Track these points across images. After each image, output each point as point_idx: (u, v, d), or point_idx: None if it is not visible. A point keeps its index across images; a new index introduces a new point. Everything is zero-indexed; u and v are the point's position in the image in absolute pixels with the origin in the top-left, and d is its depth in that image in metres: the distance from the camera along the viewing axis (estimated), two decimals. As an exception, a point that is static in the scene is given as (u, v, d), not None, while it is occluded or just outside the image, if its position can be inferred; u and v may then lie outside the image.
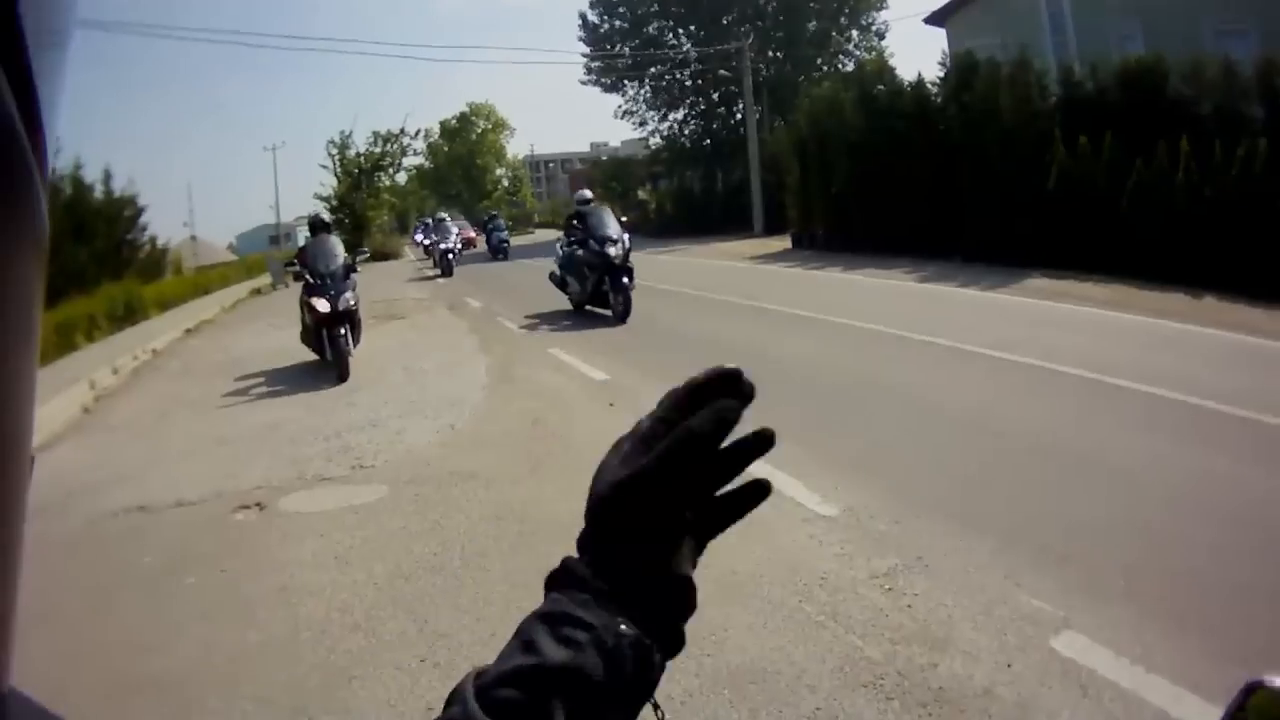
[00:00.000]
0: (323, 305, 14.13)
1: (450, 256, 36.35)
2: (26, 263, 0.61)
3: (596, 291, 18.25)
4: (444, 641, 5.12)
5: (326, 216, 17.62)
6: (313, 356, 14.88)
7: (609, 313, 18.00)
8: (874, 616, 5.02)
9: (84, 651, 5.36)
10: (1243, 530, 6.03)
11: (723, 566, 5.77)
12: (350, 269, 15.03)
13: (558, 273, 20.23)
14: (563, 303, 19.92)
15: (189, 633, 5.60)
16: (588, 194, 21.32)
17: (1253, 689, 0.92)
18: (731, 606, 5.23)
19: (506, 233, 46.12)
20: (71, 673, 5.03)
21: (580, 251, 18.68)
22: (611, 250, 17.68)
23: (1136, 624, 4.83)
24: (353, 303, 14.50)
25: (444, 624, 5.34)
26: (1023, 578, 5.40)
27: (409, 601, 5.71)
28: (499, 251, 43.46)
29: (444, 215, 46.29)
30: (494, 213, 55.50)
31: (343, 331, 14.00)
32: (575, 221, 19.28)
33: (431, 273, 37.38)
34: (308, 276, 14.84)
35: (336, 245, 15.53)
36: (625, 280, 17.54)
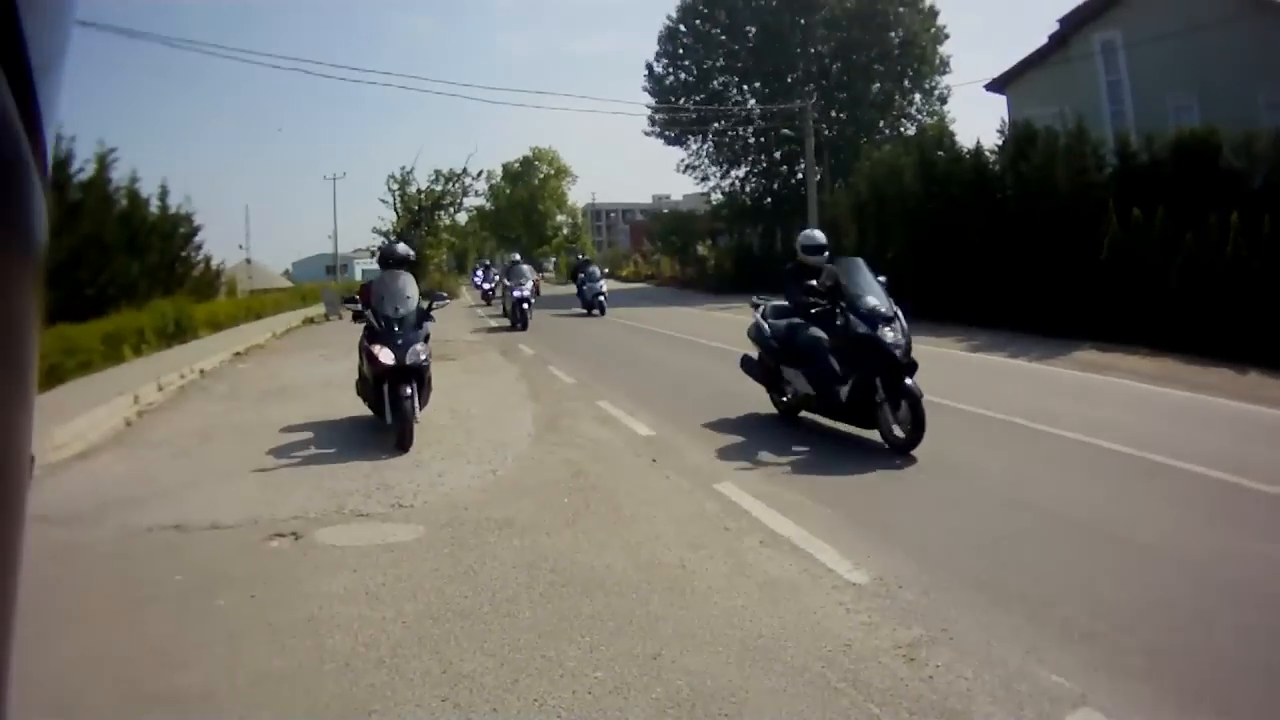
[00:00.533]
0: (386, 356, 11.77)
1: (525, 306, 31.56)
2: (23, 268, 0.64)
3: (859, 399, 11.13)
4: (466, 683, 5.14)
5: (403, 250, 14.25)
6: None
7: (874, 435, 11.12)
8: (894, 686, 5.00)
9: (107, 659, 5.43)
10: (1271, 613, 5.99)
11: (749, 629, 5.80)
12: (425, 315, 12.57)
13: (759, 355, 13.26)
14: (730, 398, 14.24)
15: (214, 653, 5.63)
16: (819, 236, 13.17)
17: None
18: (754, 669, 5.23)
19: (603, 284, 38.57)
20: (93, 678, 5.10)
21: (816, 330, 11.87)
22: (889, 335, 10.90)
23: (1154, 704, 4.83)
24: (424, 357, 12.12)
25: (468, 667, 5.35)
26: (1045, 653, 5.37)
27: (435, 642, 5.73)
28: (593, 305, 36.88)
29: (517, 256, 39.74)
30: (585, 257, 52.97)
31: (408, 391, 11.70)
32: (813, 281, 12.15)
33: (496, 322, 34.36)
34: (371, 318, 12.36)
35: (410, 285, 12.93)
36: (911, 383, 10.53)
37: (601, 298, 37.03)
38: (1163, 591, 6.45)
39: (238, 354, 23.44)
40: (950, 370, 17.83)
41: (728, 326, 25.86)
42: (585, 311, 36.99)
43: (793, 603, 6.27)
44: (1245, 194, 19.85)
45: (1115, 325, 20.52)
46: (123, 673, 5.32)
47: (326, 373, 18.68)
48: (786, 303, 12.73)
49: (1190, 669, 5.22)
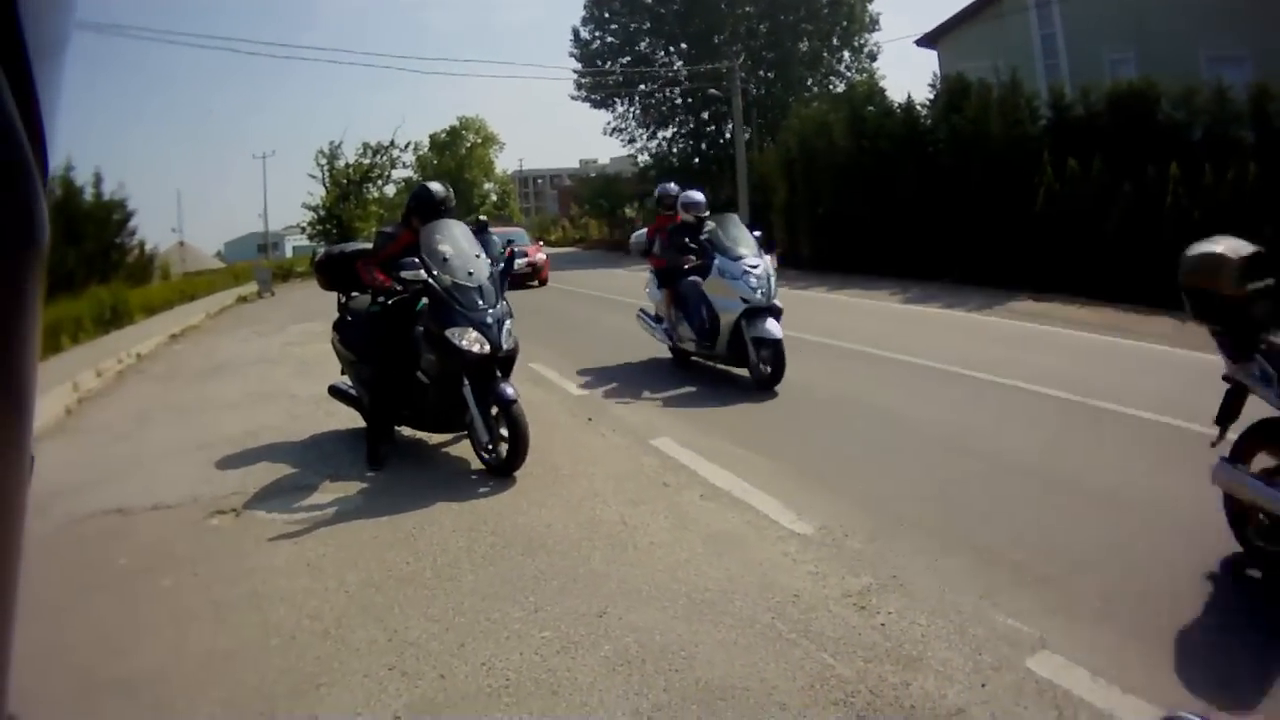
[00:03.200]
0: (478, 343, 8.57)
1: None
2: (27, 265, 0.61)
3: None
4: (413, 650, 5.10)
5: (441, 190, 9.83)
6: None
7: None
8: (846, 634, 5.00)
9: (56, 648, 5.33)
10: (1223, 554, 6.01)
11: (695, 583, 5.77)
12: (502, 279, 9.18)
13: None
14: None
15: (161, 635, 5.58)
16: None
17: None
18: (702, 622, 5.22)
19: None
20: (42, 669, 5.00)
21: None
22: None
23: (1114, 645, 4.83)
24: (515, 339, 9.05)
25: (414, 633, 5.31)
26: (999, 598, 5.39)
27: (379, 610, 5.68)
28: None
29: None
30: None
31: (511, 392, 8.50)
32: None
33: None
34: (438, 289, 8.71)
35: (472, 238, 9.34)
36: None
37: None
38: (1116, 535, 6.47)
39: (173, 336, 23.22)
40: (884, 321, 17.96)
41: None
42: None
43: (737, 555, 6.27)
44: (1184, 146, 19.86)
45: (1052, 275, 20.60)
46: (70, 661, 5.24)
47: (259, 349, 18.75)
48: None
49: (1149, 610, 5.24)
